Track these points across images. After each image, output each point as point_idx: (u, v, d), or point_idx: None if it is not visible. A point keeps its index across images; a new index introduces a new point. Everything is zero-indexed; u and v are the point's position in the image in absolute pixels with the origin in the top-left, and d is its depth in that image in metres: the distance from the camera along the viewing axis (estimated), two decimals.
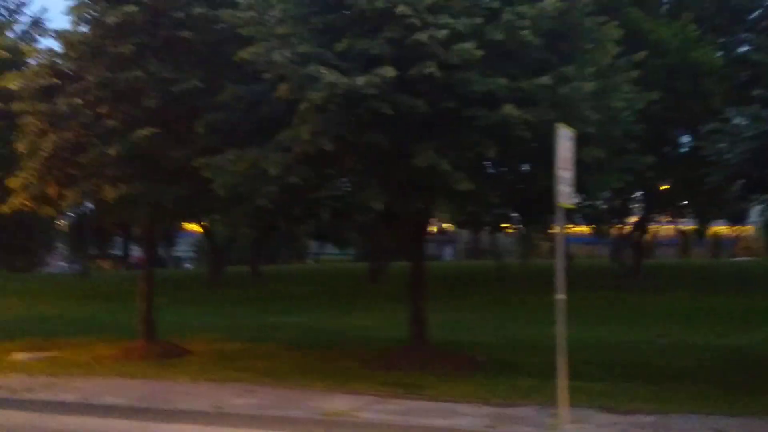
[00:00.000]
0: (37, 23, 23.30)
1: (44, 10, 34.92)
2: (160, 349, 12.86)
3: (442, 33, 8.52)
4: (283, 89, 9.40)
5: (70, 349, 13.57)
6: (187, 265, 64.07)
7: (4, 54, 15.17)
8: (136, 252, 63.43)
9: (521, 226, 12.59)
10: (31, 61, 14.57)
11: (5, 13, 32.34)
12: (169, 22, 11.47)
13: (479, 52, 8.61)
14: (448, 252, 62.62)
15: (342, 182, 10.91)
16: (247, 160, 9.71)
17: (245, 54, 9.55)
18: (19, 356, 12.86)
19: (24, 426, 8.84)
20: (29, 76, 12.17)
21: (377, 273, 29.12)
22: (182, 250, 67.27)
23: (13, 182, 12.13)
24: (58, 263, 71.64)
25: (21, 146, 12.22)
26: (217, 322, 18.21)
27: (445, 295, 19.92)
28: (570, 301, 7.74)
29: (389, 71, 8.55)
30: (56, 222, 51.80)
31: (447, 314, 16.09)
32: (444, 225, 38.87)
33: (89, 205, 13.62)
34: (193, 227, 54.40)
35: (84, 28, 12.01)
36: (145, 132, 10.94)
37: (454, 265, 43.08)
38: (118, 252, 61.50)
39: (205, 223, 29.27)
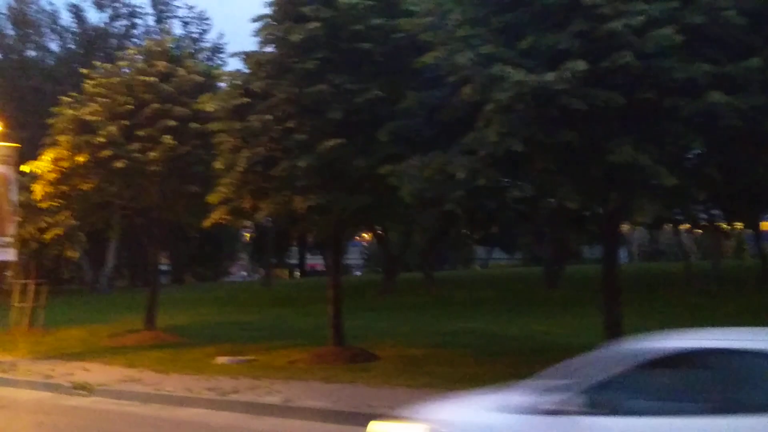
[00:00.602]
0: (216, 49, 24.84)
1: (221, 35, 37.67)
2: (349, 354, 13.21)
3: (638, 20, 8.06)
4: (467, 91, 9.31)
5: (266, 353, 14.27)
6: (357, 273, 65.82)
7: (199, 78, 16.27)
8: (311, 261, 66.43)
9: (723, 222, 11.65)
10: (222, 84, 15.64)
11: (190, 42, 35.04)
12: (349, 35, 11.80)
13: (679, 38, 8.06)
14: (621, 254, 59.85)
15: (526, 184, 10.64)
16: (434, 165, 9.71)
17: (428, 58, 9.57)
18: (222, 360, 13.70)
19: (233, 426, 9.37)
20: (223, 97, 12.98)
21: (554, 277, 28.32)
22: (351, 258, 69.52)
23: (212, 198, 12.97)
24: (240, 272, 76.39)
25: (218, 163, 13.05)
26: (397, 327, 18.43)
27: (634, 300, 18.96)
28: None
29: (580, 65, 8.21)
30: (242, 233, 55.23)
31: (638, 319, 15.27)
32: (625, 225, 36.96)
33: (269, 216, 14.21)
34: (363, 235, 56.00)
35: (270, 48, 12.65)
36: (330, 143, 11.30)
37: (632, 268, 41.04)
38: (293, 261, 64.61)
39: (380, 231, 29.89)
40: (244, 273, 75.90)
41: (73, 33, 38.86)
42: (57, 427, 9.62)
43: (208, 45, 38.03)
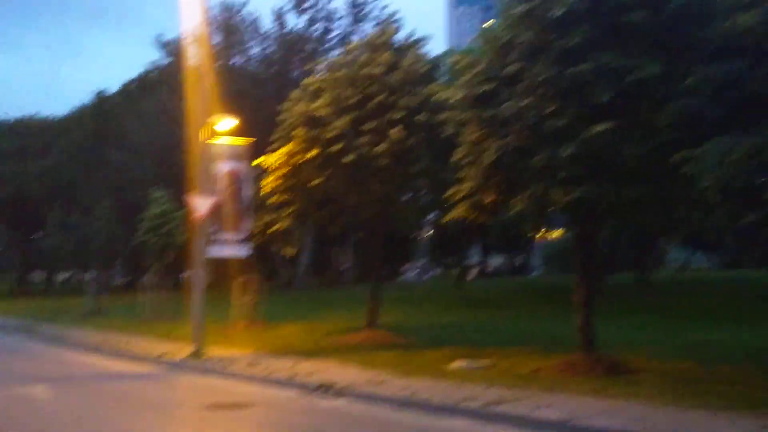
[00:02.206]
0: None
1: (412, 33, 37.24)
2: (605, 365, 11.86)
3: None
4: None
5: (504, 359, 13.25)
6: (535, 273, 63.48)
7: (424, 68, 15.66)
8: (495, 260, 65.09)
9: None
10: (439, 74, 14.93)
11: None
12: (614, 6, 10.50)
13: None
14: None
15: None
16: (742, 149, 8.22)
17: (749, 17, 8.07)
18: (458, 364, 12.87)
19: None
20: (465, 84, 12.12)
21: None
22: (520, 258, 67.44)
23: (455, 193, 12.17)
24: (411, 272, 76.58)
25: (460, 155, 12.23)
26: (630, 336, 16.78)
27: None
28: None
29: None
30: (422, 232, 55.09)
31: None
32: None
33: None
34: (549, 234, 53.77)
35: (517, 29, 11.61)
36: (598, 128, 10.07)
37: None
38: (473, 260, 63.55)
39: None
40: (413, 273, 76.07)
41: (274, 38, 40.29)
42: (320, 429, 9.14)
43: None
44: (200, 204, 14.95)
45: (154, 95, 43.26)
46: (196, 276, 15.30)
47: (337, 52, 39.74)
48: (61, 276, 75.48)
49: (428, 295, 34.40)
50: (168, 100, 36.53)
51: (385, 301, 26.93)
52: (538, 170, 10.87)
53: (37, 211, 58.40)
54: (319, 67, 17.56)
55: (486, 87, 11.54)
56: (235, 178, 16.38)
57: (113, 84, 62.60)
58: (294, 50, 39.46)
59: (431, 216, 27.99)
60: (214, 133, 16.20)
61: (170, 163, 34.12)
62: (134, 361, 15.63)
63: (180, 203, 26.83)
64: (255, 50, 40.63)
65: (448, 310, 25.10)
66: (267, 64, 39.59)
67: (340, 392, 11.06)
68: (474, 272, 61.91)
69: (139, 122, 42.11)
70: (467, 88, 12.01)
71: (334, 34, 39.96)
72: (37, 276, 73.87)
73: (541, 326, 18.08)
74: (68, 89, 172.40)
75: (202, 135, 15.53)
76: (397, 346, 15.39)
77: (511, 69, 11.18)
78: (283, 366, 13.34)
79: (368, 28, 36.81)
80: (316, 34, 39.99)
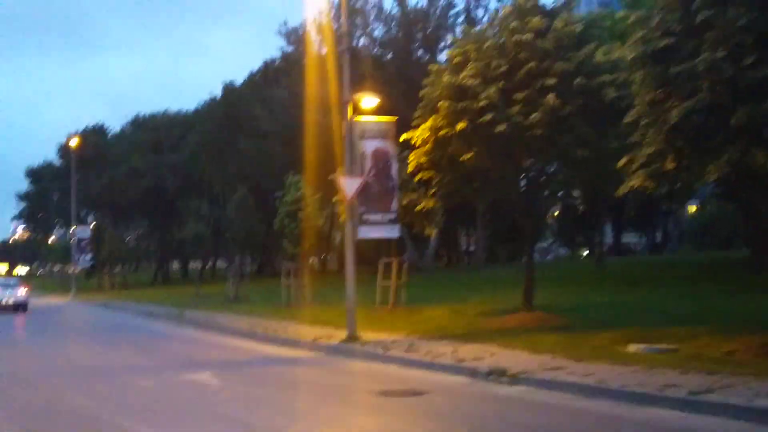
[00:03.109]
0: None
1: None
2: None
3: None
4: None
5: (685, 341, 12.08)
6: (670, 249, 59.98)
7: (577, 29, 14.59)
8: (628, 239, 62.33)
9: None
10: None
11: None
12: None
13: None
14: None
15: None
16: None
17: None
18: (636, 347, 11.84)
19: None
20: (640, 41, 11.00)
21: None
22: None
23: (629, 162, 11.14)
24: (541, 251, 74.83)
25: (631, 118, 11.18)
26: None
27: None
28: None
29: None
30: (551, 209, 53.39)
31: None
32: None
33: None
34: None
35: None
36: None
37: None
38: (604, 239, 61.02)
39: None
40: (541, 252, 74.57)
41: (395, 19, 39.80)
42: (510, 420, 8.45)
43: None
44: (348, 184, 14.58)
45: (280, 83, 43.90)
46: (348, 259, 14.97)
47: (459, 29, 38.80)
48: (196, 264, 78.92)
49: (566, 274, 33.03)
50: (293, 87, 36.88)
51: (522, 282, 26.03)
52: (735, 130, 9.67)
53: (173, 203, 61.11)
54: (462, 39, 16.75)
55: (666, 41, 10.40)
56: (382, 157, 15.89)
57: (236, 78, 64.21)
58: (416, 30, 38.81)
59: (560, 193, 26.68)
60: (358, 112, 15.79)
61: (298, 148, 34.43)
62: (288, 345, 15.54)
63: (314, 187, 26.93)
64: (378, 32, 40.34)
65: (595, 289, 23.75)
66: (389, 45, 39.18)
67: (515, 378, 10.32)
68: (596, 250, 59.59)
69: (266, 110, 42.84)
70: (642, 45, 10.90)
71: (457, 9, 39.02)
72: (174, 265, 77.57)
73: (699, 305, 16.65)
74: (192, 86, 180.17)
75: (347, 114, 15.15)
76: (558, 329, 14.48)
77: (698, 18, 9.99)
78: (443, 350, 12.77)
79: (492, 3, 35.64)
80: (438, 12, 39.16)
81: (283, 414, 8.88)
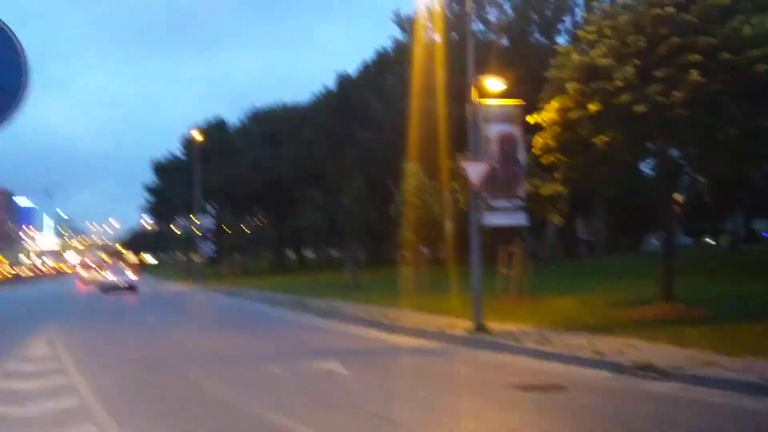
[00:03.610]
0: None
1: None
2: None
3: None
4: None
5: None
6: None
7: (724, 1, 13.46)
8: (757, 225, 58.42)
9: None
10: None
11: None
12: None
13: None
14: None
15: None
16: None
17: None
18: None
19: None
20: None
21: None
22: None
23: None
24: (651, 241, 71.63)
25: None
26: None
27: None
28: None
29: None
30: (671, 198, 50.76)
31: None
32: None
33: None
34: None
35: None
36: None
37: None
38: (730, 227, 57.48)
39: None
40: (655, 241, 71.72)
41: (511, 4, 38.82)
42: (669, 420, 7.79)
43: None
44: (473, 169, 14.12)
45: (393, 72, 43.79)
46: (472, 247, 14.54)
47: (579, 11, 37.34)
48: (310, 253, 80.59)
49: (697, 263, 31.26)
50: (406, 75, 36.64)
51: (651, 272, 24.89)
52: None
53: (290, 193, 62.50)
54: (594, 15, 15.89)
55: None
56: (508, 141, 15.32)
57: (349, 69, 64.83)
58: (532, 13, 37.69)
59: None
60: (482, 95, 15.28)
61: (412, 136, 34.18)
62: (414, 335, 15.29)
63: (430, 175, 26.60)
64: (492, 17, 39.45)
65: (732, 279, 22.23)
66: (505, 29, 38.25)
67: (664, 374, 9.60)
68: (729, 238, 56.17)
69: (380, 100, 42.86)
70: None
71: None
72: (289, 254, 79.50)
73: None
74: (306, 79, 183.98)
75: (471, 98, 14.68)
76: (700, 321, 13.50)
77: None
78: (578, 342, 12.14)
79: None
80: None
81: (421, 408, 8.59)
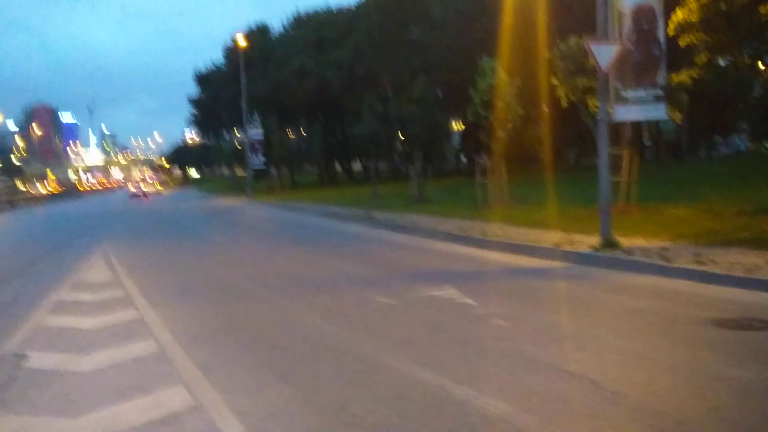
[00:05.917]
0: None
1: None
2: None
3: None
4: None
5: None
6: None
7: None
8: None
9: None
10: None
11: None
12: None
13: None
14: None
15: None
16: None
17: None
18: None
19: None
20: None
21: None
22: None
23: None
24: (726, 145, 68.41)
25: None
26: None
27: None
28: None
29: None
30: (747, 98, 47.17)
31: None
32: None
33: None
34: None
35: None
36: None
37: None
38: None
39: None
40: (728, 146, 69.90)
41: None
42: None
43: None
44: (602, 52, 11.53)
45: None
46: (600, 148, 12.13)
47: None
48: (357, 166, 78.45)
49: None
50: None
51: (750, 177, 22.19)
52: None
53: (338, 101, 59.82)
54: None
55: None
56: (645, 16, 12.60)
57: None
58: None
59: None
60: None
61: (479, 32, 31.10)
62: (522, 253, 13.10)
63: (508, 73, 23.87)
64: None
65: None
66: None
67: None
68: None
69: None
70: None
71: None
72: (336, 166, 77.48)
73: None
74: None
75: None
76: None
77: None
78: (748, 261, 9.86)
79: None
80: None
81: (581, 348, 6.46)
